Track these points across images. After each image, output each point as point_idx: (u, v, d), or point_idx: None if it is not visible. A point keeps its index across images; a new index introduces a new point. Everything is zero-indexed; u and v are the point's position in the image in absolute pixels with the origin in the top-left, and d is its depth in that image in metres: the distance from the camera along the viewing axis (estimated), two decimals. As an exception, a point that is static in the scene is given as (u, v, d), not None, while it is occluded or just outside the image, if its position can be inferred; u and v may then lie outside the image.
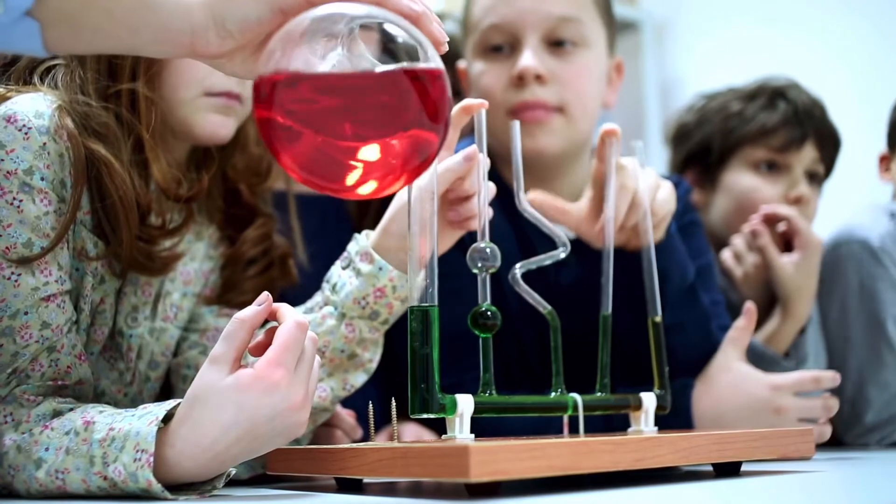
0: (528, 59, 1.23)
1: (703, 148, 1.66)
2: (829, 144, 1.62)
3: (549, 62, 1.24)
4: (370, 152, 0.67)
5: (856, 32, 2.46)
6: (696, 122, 1.69)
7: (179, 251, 1.01)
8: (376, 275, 0.95)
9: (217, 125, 1.01)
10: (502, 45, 1.26)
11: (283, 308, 0.83)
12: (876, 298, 1.51)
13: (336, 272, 0.99)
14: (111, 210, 0.92)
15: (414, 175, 0.71)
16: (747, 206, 1.56)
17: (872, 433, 1.50)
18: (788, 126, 1.58)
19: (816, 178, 1.62)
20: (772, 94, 1.62)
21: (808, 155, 1.59)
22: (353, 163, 0.67)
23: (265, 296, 0.82)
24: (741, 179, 1.60)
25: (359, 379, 1.00)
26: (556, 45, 1.25)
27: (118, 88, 0.94)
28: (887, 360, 1.50)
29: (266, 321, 0.83)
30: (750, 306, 1.27)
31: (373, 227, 1.01)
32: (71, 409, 0.85)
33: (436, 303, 0.80)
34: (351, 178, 0.68)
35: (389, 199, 0.99)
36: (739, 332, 1.24)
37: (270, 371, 0.77)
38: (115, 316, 0.98)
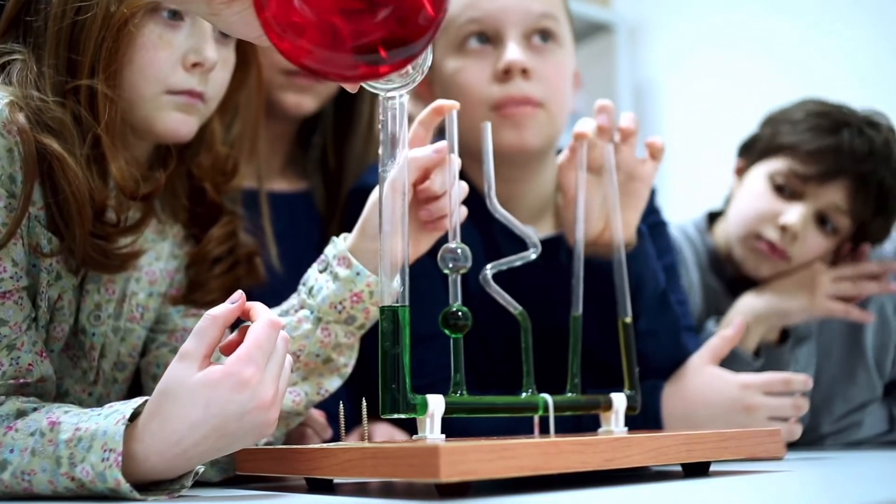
0: (515, 52, 1.22)
1: (753, 140, 1.59)
2: (867, 199, 1.44)
3: (531, 58, 1.24)
4: (368, 45, 0.66)
5: (835, 35, 2.48)
6: (769, 117, 1.59)
7: (138, 249, 1.00)
8: (353, 280, 0.95)
9: (178, 123, 1.00)
10: (481, 41, 1.26)
11: (257, 307, 0.83)
12: (865, 325, 1.52)
13: (313, 275, 0.99)
14: (64, 205, 0.91)
15: (401, 65, 0.69)
16: (744, 212, 1.52)
17: (824, 440, 1.53)
18: (820, 158, 1.44)
19: (830, 226, 1.46)
20: (839, 122, 1.46)
21: (828, 196, 1.44)
22: (356, 50, 0.67)
23: (238, 294, 0.82)
24: (755, 184, 1.51)
25: (333, 384, 1.00)
26: (534, 42, 1.25)
27: (76, 84, 0.93)
28: (860, 378, 1.52)
29: (239, 320, 0.83)
30: (740, 321, 1.28)
31: (340, 228, 1.01)
32: (35, 410, 0.84)
33: (407, 303, 0.80)
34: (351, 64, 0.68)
35: (359, 201, 0.99)
36: (722, 342, 1.25)
37: (241, 368, 0.77)
38: (76, 313, 0.97)
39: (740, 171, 1.59)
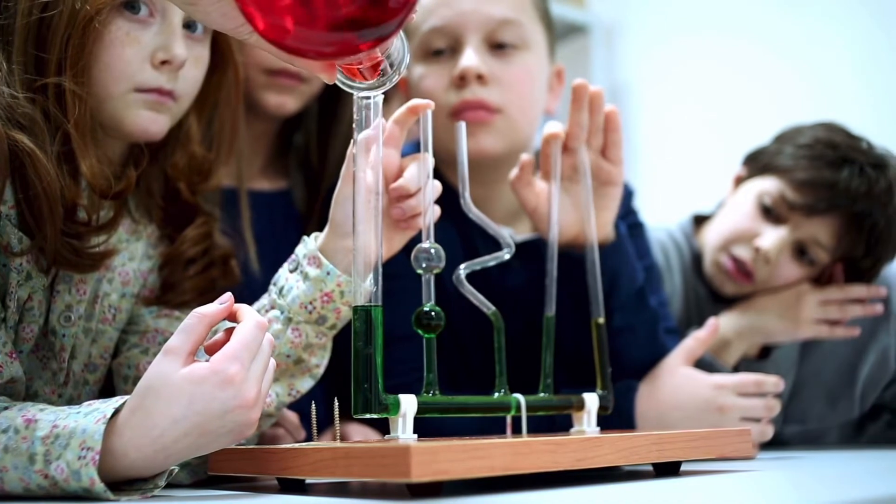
0: (470, 58, 1.22)
1: (759, 152, 1.55)
2: (857, 239, 1.42)
3: (491, 63, 1.24)
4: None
5: (810, 39, 2.50)
6: (780, 133, 1.55)
7: (111, 248, 0.99)
8: (324, 279, 0.95)
9: (148, 122, 0.99)
10: (443, 48, 1.26)
11: (244, 308, 0.83)
12: (863, 360, 1.51)
13: (283, 275, 0.99)
14: (34, 202, 0.90)
15: (376, 44, 0.69)
16: (724, 226, 1.50)
17: (784, 444, 1.54)
18: (813, 190, 1.40)
19: (808, 257, 1.44)
20: (843, 157, 1.41)
21: (811, 230, 1.42)
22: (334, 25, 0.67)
23: (227, 296, 0.82)
24: (743, 200, 1.49)
25: (305, 384, 1.00)
26: (497, 47, 1.25)
27: (44, 82, 0.92)
28: (840, 405, 1.53)
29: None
30: (713, 322, 1.29)
31: (319, 227, 1.01)
32: (6, 408, 0.83)
33: (380, 303, 0.80)
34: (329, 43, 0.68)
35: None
36: (696, 343, 1.25)
37: (226, 365, 0.77)
38: (47, 314, 0.97)
39: (738, 181, 1.56)
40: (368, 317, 0.79)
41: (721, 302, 1.52)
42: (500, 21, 1.24)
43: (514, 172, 1.16)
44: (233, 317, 0.83)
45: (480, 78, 1.23)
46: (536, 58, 1.28)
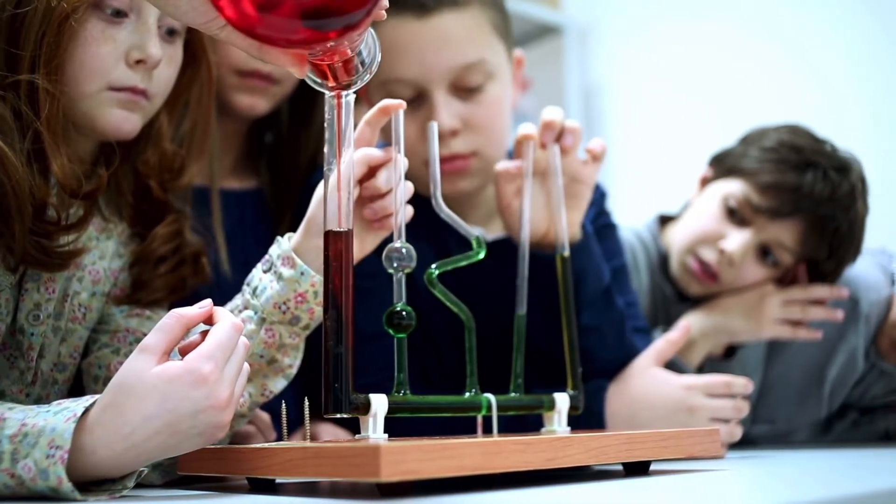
0: (443, 117, 1.18)
1: (725, 154, 1.56)
2: (820, 242, 1.44)
3: (460, 108, 1.21)
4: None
5: (787, 38, 2.51)
6: (745, 135, 1.56)
7: (80, 247, 0.98)
8: (298, 280, 0.95)
9: (121, 120, 0.99)
10: (410, 97, 1.20)
11: (220, 311, 0.83)
12: (832, 360, 1.53)
13: (257, 275, 0.98)
14: (2, 200, 0.89)
15: (343, 33, 0.70)
16: (690, 228, 1.51)
17: (752, 443, 1.55)
18: (777, 194, 1.42)
19: (772, 259, 1.46)
20: (807, 161, 1.43)
21: (775, 232, 1.44)
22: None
23: (207, 301, 0.82)
24: (708, 202, 1.50)
25: (278, 384, 0.99)
26: (464, 90, 1.21)
27: (16, 79, 0.92)
28: (809, 405, 1.55)
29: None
30: (684, 324, 1.30)
31: (291, 226, 1.01)
32: (-27, 408, 0.82)
33: (351, 302, 0.80)
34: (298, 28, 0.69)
35: (310, 198, 0.98)
36: (667, 345, 1.26)
37: (200, 364, 0.76)
38: (15, 313, 0.96)
39: (704, 182, 1.57)
40: (339, 316, 0.79)
41: (686, 301, 1.53)
42: (462, 68, 1.20)
43: (503, 165, 1.15)
44: (209, 320, 0.82)
45: (454, 133, 1.20)
46: (503, 81, 1.25)
